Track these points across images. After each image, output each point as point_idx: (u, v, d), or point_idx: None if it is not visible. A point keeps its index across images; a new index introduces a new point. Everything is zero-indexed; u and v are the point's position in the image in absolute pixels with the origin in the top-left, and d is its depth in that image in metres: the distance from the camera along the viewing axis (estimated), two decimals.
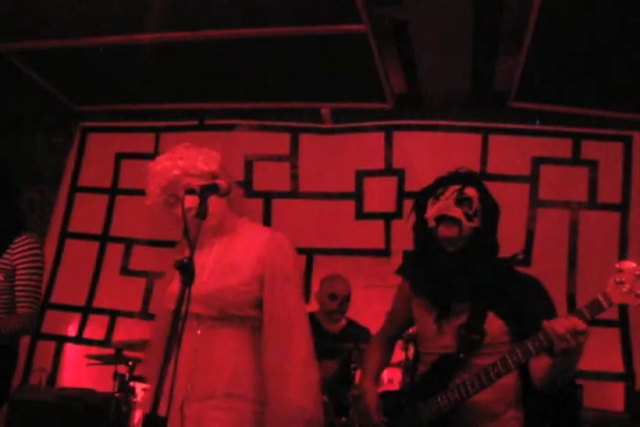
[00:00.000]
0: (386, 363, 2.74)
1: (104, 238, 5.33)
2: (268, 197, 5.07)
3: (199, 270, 1.97)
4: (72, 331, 5.19)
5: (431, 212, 2.39)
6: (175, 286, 2.11)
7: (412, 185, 4.66)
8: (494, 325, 2.29)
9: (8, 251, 3.07)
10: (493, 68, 4.45)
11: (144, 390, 3.87)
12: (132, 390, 3.97)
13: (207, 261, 2.15)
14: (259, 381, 2.10)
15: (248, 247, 2.20)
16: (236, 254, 2.19)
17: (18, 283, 3.07)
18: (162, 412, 1.79)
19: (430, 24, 3.87)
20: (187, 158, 2.21)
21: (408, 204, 4.32)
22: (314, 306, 4.39)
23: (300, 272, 2.25)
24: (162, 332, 2.21)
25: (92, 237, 5.35)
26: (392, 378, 3.90)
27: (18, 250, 3.08)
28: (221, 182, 2.10)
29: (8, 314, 3.08)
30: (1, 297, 3.06)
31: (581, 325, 1.91)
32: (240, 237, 2.24)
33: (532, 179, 4.75)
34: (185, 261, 1.91)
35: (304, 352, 2.14)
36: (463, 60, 4.27)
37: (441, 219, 2.35)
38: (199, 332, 2.13)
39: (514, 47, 4.02)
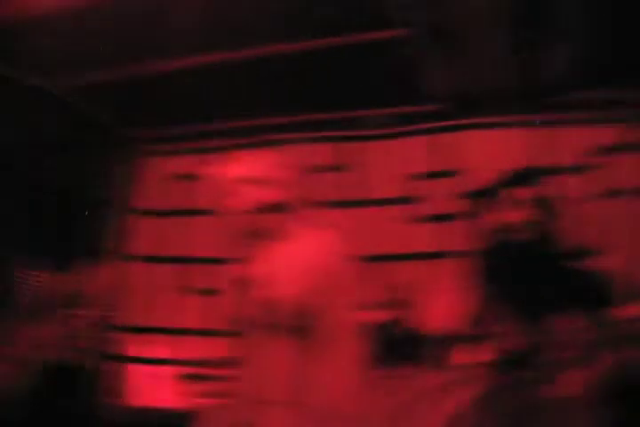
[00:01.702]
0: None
1: (165, 259, 5.43)
2: (320, 207, 5.08)
3: (256, 279, 2.00)
4: (141, 351, 5.27)
5: (493, 216, 2.38)
6: (235, 298, 2.16)
7: (467, 186, 4.52)
8: (565, 321, 2.27)
9: (76, 274, 3.18)
10: (543, 57, 4.32)
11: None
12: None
13: (263, 270, 2.18)
14: (310, 387, 2.12)
15: (305, 257, 2.24)
16: (293, 265, 2.22)
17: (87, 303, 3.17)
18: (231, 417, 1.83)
19: (467, 20, 3.84)
20: (244, 167, 2.25)
21: (464, 205, 4.32)
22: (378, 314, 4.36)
23: (354, 281, 2.25)
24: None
25: (154, 259, 5.46)
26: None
27: (86, 274, 3.19)
28: (279, 197, 2.15)
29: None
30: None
31: None
32: (297, 247, 2.26)
33: (598, 168, 4.53)
34: (255, 276, 1.97)
35: (353, 362, 2.16)
36: (507, 51, 4.19)
37: (506, 224, 2.34)
38: (267, 339, 2.16)
39: (563, 33, 3.93)
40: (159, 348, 5.23)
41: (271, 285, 2.10)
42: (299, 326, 2.15)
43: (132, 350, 5.29)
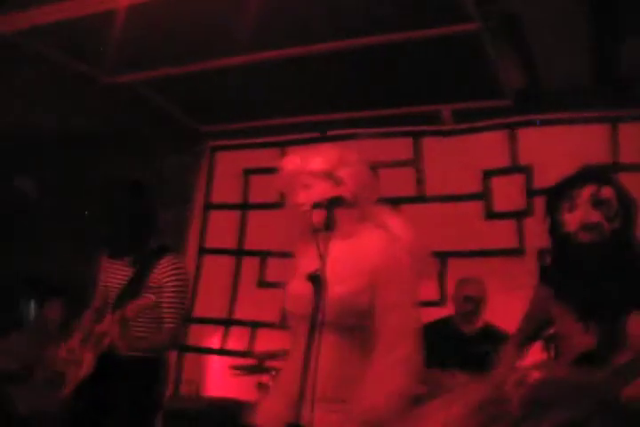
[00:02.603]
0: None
1: (239, 253, 5.53)
2: (395, 203, 5.03)
3: (319, 275, 1.99)
4: (216, 343, 5.41)
5: (569, 217, 2.33)
6: (296, 288, 2.17)
7: (541, 182, 4.52)
8: (637, 325, 2.22)
9: (155, 271, 3.28)
10: (618, 51, 4.21)
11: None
12: None
13: (327, 266, 2.13)
14: (358, 386, 2.11)
15: (363, 255, 2.21)
16: (350, 262, 2.19)
17: (164, 300, 3.26)
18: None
19: (541, 13, 3.75)
20: (316, 161, 2.26)
21: (538, 201, 4.29)
22: (450, 309, 4.38)
23: (415, 281, 2.22)
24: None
25: (228, 252, 5.57)
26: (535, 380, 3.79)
27: (164, 270, 3.28)
28: (345, 193, 2.15)
29: (155, 328, 3.28)
30: (150, 313, 3.26)
31: None
32: (357, 244, 2.24)
33: None
34: (316, 273, 1.97)
35: (409, 364, 2.13)
36: (582, 46, 4.09)
37: (582, 225, 2.29)
38: (312, 335, 2.14)
39: (637, 27, 3.81)
40: (237, 339, 5.33)
41: (332, 281, 2.06)
42: (355, 324, 2.15)
43: (205, 342, 5.43)
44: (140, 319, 3.25)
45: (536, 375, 2.28)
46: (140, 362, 3.23)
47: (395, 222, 2.30)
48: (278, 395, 2.24)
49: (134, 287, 3.28)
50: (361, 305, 2.17)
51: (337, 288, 2.07)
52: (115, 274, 3.41)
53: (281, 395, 2.21)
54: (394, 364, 2.10)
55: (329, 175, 2.25)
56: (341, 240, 2.18)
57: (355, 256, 2.21)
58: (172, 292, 3.28)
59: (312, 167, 2.26)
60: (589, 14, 3.75)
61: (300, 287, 2.18)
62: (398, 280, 2.18)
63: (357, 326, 2.18)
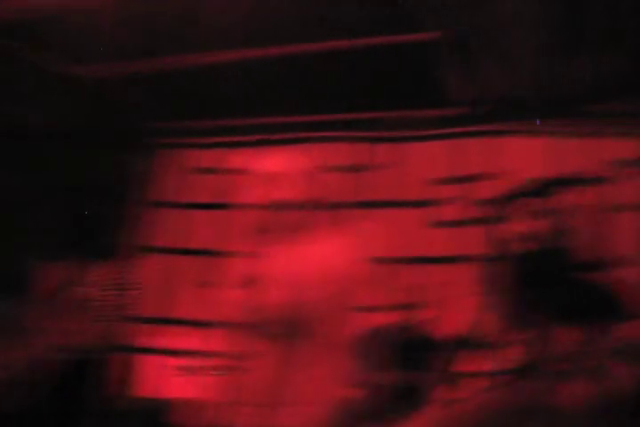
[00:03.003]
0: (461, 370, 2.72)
1: (183, 252, 5.44)
2: (340, 208, 5.06)
3: (269, 283, 1.98)
4: (153, 342, 5.29)
5: (511, 226, 2.38)
6: (235, 290, 2.16)
7: (486, 192, 4.50)
8: (571, 334, 2.27)
9: (97, 272, 3.24)
10: (564, 68, 4.37)
11: None
12: None
13: (272, 269, 2.13)
14: (312, 389, 2.17)
15: (309, 264, 2.25)
16: (296, 270, 2.20)
17: (103, 303, 3.21)
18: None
19: (493, 26, 3.89)
20: (268, 163, 2.25)
21: (481, 211, 4.31)
22: (395, 316, 4.35)
23: (366, 284, 2.23)
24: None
25: (172, 251, 5.48)
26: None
27: (106, 271, 3.23)
28: (298, 196, 2.14)
29: (91, 326, 3.23)
30: (88, 317, 3.22)
31: None
32: (309, 248, 2.21)
33: (614, 181, 4.51)
34: (260, 275, 1.96)
35: (345, 375, 2.22)
36: (531, 61, 4.24)
37: (522, 234, 2.34)
38: (265, 342, 2.21)
39: (585, 45, 3.99)
40: (172, 339, 5.23)
41: (278, 285, 2.06)
42: (297, 330, 2.19)
43: (147, 341, 5.29)
44: (74, 315, 3.20)
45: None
46: (73, 364, 3.18)
47: (338, 234, 2.31)
48: (241, 398, 2.33)
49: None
50: (302, 314, 2.22)
51: (281, 295, 2.04)
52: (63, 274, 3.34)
53: (244, 398, 2.31)
54: (330, 374, 2.18)
55: (286, 180, 2.24)
56: (296, 244, 2.17)
57: (301, 264, 2.22)
58: (111, 292, 3.25)
59: (267, 171, 2.24)
60: (535, 30, 3.88)
61: (239, 290, 2.12)
62: (351, 285, 2.17)
63: (296, 333, 2.26)
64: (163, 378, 4.93)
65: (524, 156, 4.65)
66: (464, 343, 2.68)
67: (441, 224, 4.89)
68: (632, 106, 4.55)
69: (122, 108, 5.36)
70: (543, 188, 2.44)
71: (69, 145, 5.45)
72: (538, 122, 4.79)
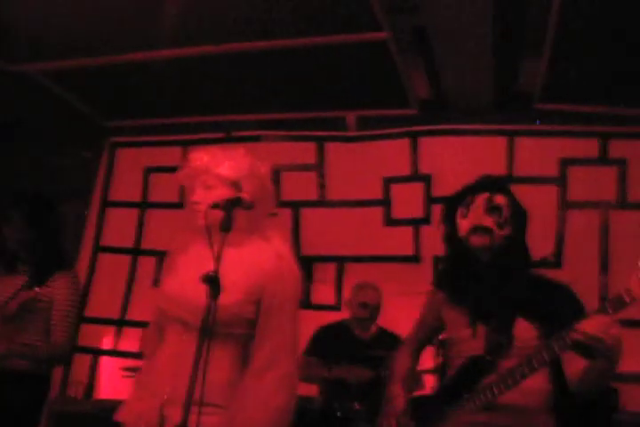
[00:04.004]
0: (413, 368, 2.75)
1: (136, 252, 5.41)
2: (296, 206, 5.10)
3: (202, 280, 1.97)
4: (107, 344, 5.27)
5: (462, 222, 2.42)
6: (177, 288, 2.15)
7: (440, 190, 4.66)
8: (524, 329, 2.31)
9: (48, 284, 3.19)
10: (517, 69, 4.39)
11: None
12: None
13: (222, 275, 2.08)
14: (233, 391, 2.11)
15: (251, 268, 2.19)
16: (238, 273, 2.15)
17: (55, 313, 3.18)
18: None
19: (450, 28, 3.86)
20: (215, 159, 2.24)
21: (436, 209, 4.44)
22: (345, 313, 4.43)
23: (299, 297, 2.25)
24: (152, 333, 2.33)
25: (124, 251, 5.43)
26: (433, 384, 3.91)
27: (57, 284, 3.20)
28: (245, 195, 2.13)
29: (42, 341, 3.20)
30: (37, 325, 3.17)
31: (608, 320, 1.92)
32: (247, 255, 2.22)
33: (561, 180, 4.70)
34: (212, 274, 1.94)
35: (289, 381, 2.16)
36: (486, 62, 4.24)
37: (473, 229, 2.37)
38: (184, 338, 2.13)
39: (537, 47, 3.98)
40: (129, 340, 5.18)
41: (224, 286, 2.02)
42: (236, 332, 2.15)
43: (96, 342, 5.28)
44: (27, 329, 3.17)
45: None
46: (23, 377, 3.14)
47: (280, 239, 2.31)
48: (145, 395, 2.19)
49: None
50: (246, 316, 2.16)
51: (225, 296, 2.01)
52: (7, 287, 3.28)
53: (148, 395, 2.16)
54: (274, 380, 2.10)
55: (233, 183, 2.21)
56: (232, 247, 2.14)
57: (243, 268, 2.18)
58: (64, 306, 3.22)
59: (219, 171, 2.22)
60: (493, 30, 3.87)
61: (183, 288, 2.16)
62: (283, 300, 2.18)
63: (239, 335, 2.17)
64: (117, 380, 4.76)
65: (477, 154, 4.73)
66: (421, 341, 2.71)
67: (395, 223, 4.94)
68: (585, 106, 4.62)
69: (76, 106, 5.26)
70: (494, 185, 2.47)
71: (23, 144, 5.38)
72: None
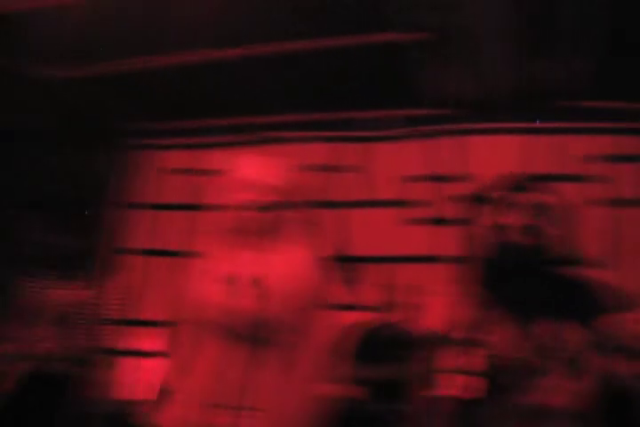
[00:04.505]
0: (455, 369, 2.72)
1: (160, 253, 5.40)
2: (318, 207, 5.05)
3: (243, 286, 2.10)
4: (129, 344, 5.20)
5: (504, 221, 2.46)
6: (208, 294, 2.15)
7: (467, 190, 4.64)
8: (569, 331, 2.28)
9: (88, 288, 3.26)
10: (542, 67, 4.37)
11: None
12: None
13: (250, 280, 2.17)
14: (279, 396, 2.17)
15: (289, 274, 2.25)
16: (277, 279, 2.21)
17: (92, 316, 3.24)
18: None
19: (473, 26, 3.89)
20: (243, 164, 2.35)
21: (470, 209, 4.42)
22: (385, 314, 4.39)
23: (326, 298, 2.37)
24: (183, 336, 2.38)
25: (149, 253, 5.44)
26: (466, 385, 3.87)
27: (98, 287, 3.29)
28: (282, 199, 2.27)
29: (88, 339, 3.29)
30: (76, 327, 3.23)
31: None
32: (283, 261, 2.27)
33: (608, 178, 4.58)
34: (259, 278, 2.08)
35: (326, 382, 2.31)
36: (510, 61, 4.24)
37: (517, 228, 2.39)
38: (228, 343, 2.19)
39: (567, 44, 3.99)
40: (150, 341, 5.15)
41: (249, 288, 2.07)
42: (271, 338, 2.19)
43: (127, 344, 5.21)
44: (77, 331, 3.20)
45: None
46: (58, 378, 3.18)
47: (313, 246, 2.39)
48: (187, 400, 2.24)
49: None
50: (288, 322, 2.22)
51: (268, 303, 2.12)
52: (54, 291, 3.33)
53: (190, 400, 2.21)
54: (316, 384, 2.22)
55: (272, 189, 2.29)
56: (268, 253, 2.23)
57: (282, 272, 2.24)
58: (113, 310, 3.28)
59: (260, 177, 2.30)
60: (518, 29, 3.86)
61: (224, 294, 2.19)
62: (320, 303, 2.29)
63: (281, 340, 2.22)
64: (139, 380, 4.91)
65: (497, 153, 4.71)
66: (443, 341, 2.69)
67: (416, 223, 4.90)
68: (634, 103, 4.58)
69: (93, 109, 5.28)
70: (516, 184, 2.49)
71: (41, 147, 5.41)
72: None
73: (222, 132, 5.39)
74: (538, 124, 4.77)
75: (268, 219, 2.20)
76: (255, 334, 2.06)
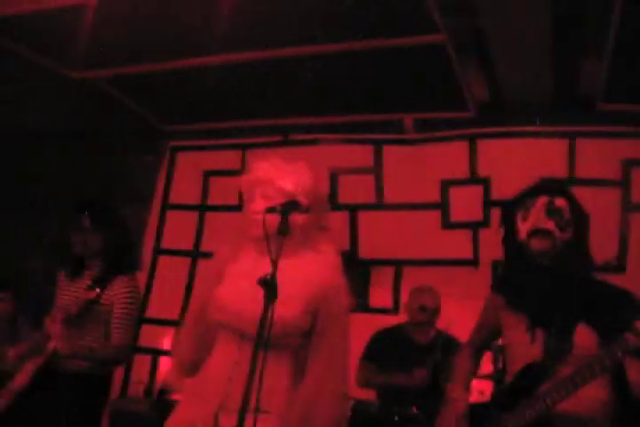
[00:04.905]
0: (473, 372, 2.72)
1: (195, 254, 5.47)
2: (353, 209, 5.10)
3: (260, 289, 1.98)
4: (167, 344, 5.29)
5: (522, 225, 2.38)
6: (222, 295, 2.16)
7: (498, 193, 4.59)
8: (584, 335, 2.27)
9: (108, 287, 3.27)
10: (578, 69, 4.27)
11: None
12: None
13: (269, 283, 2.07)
14: (289, 399, 2.15)
15: (307, 280, 2.21)
16: (294, 285, 2.16)
17: (114, 315, 3.24)
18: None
19: (508, 29, 3.80)
20: (278, 171, 2.27)
21: (494, 212, 4.33)
22: (403, 317, 4.40)
23: (349, 308, 2.27)
24: (195, 339, 2.36)
25: (184, 253, 5.51)
26: (482, 390, 3.85)
27: (117, 286, 3.27)
28: (302, 199, 2.17)
29: (102, 342, 3.30)
30: (97, 327, 3.27)
31: None
32: (302, 267, 2.24)
33: (624, 182, 4.54)
34: (268, 277, 1.96)
35: (339, 387, 2.21)
36: (545, 63, 4.16)
37: (534, 232, 2.33)
38: (240, 346, 2.18)
39: (598, 47, 3.88)
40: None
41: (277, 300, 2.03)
42: (290, 343, 2.18)
43: (156, 342, 5.35)
44: (88, 331, 3.23)
45: None
46: (84, 378, 3.21)
47: (333, 252, 2.33)
48: (197, 402, 2.22)
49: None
50: (302, 327, 2.19)
51: (282, 307, 2.02)
52: (71, 291, 3.37)
53: (200, 402, 2.20)
54: (329, 389, 2.15)
55: (292, 195, 2.23)
56: (287, 259, 2.14)
57: (300, 278, 2.21)
58: (123, 309, 3.28)
59: (281, 183, 2.24)
60: (552, 31, 3.79)
61: (239, 298, 2.18)
62: (338, 309, 2.22)
63: (294, 344, 2.20)
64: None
65: (537, 156, 4.62)
66: (480, 345, 2.67)
67: (454, 226, 4.88)
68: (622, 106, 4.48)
69: (137, 111, 5.37)
70: (557, 188, 2.43)
71: (76, 147, 5.51)
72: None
73: (262, 133, 5.39)
74: (570, 128, 4.67)
75: (289, 219, 2.09)
76: (267, 339, 1.96)
